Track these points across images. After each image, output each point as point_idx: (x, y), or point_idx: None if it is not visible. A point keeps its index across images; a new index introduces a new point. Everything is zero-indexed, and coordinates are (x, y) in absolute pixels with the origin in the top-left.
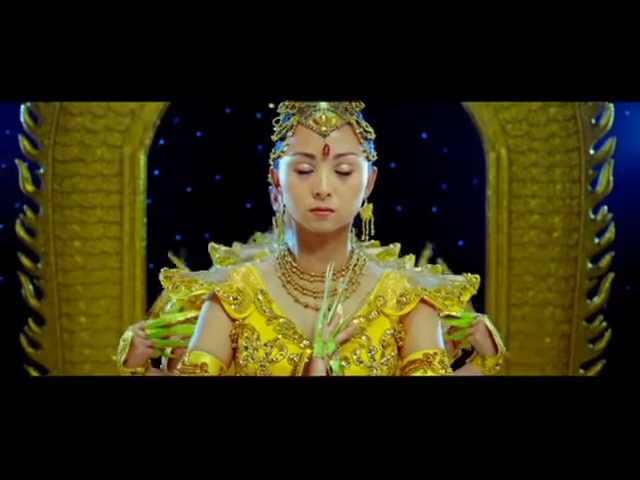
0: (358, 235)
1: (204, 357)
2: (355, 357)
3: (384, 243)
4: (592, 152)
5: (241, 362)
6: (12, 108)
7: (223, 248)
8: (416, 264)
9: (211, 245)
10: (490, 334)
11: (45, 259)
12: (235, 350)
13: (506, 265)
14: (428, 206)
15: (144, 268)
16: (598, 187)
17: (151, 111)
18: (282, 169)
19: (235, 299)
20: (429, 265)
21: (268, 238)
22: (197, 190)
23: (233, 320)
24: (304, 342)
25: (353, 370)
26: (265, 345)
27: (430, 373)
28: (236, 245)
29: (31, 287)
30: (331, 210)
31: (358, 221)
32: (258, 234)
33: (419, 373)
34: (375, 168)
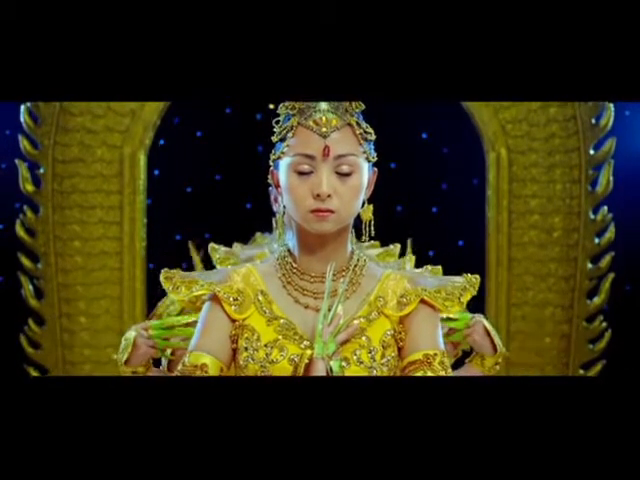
0: (358, 236)
1: (204, 358)
2: (355, 358)
3: (384, 243)
4: (592, 152)
5: (241, 363)
6: (12, 108)
7: (223, 249)
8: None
9: (211, 246)
10: (488, 334)
11: (45, 259)
12: (235, 351)
13: (506, 265)
14: (428, 206)
15: (144, 268)
16: (598, 187)
17: (151, 111)
18: (282, 170)
19: (235, 300)
20: (429, 266)
21: (268, 239)
22: (197, 190)
23: (233, 321)
24: (304, 343)
25: (353, 370)
26: (265, 346)
27: (430, 374)
28: (236, 246)
29: (31, 287)
30: (331, 211)
31: (358, 222)
32: (258, 234)
33: (419, 374)
34: (375, 169)
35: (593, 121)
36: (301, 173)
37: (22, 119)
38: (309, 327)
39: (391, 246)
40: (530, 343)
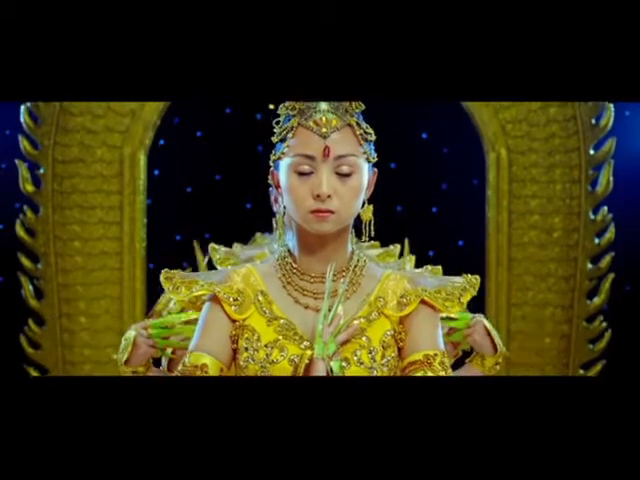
0: (358, 236)
1: (204, 358)
2: (355, 358)
3: (384, 244)
4: (592, 152)
5: (241, 363)
6: (12, 108)
7: (223, 249)
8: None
9: (211, 246)
10: (489, 334)
11: (45, 259)
12: (235, 351)
13: (506, 265)
14: (428, 206)
15: (144, 268)
16: (598, 187)
17: (151, 111)
18: (282, 170)
19: (235, 300)
20: (429, 266)
21: (268, 239)
22: (197, 190)
23: (233, 321)
24: (304, 343)
25: (353, 371)
26: (266, 346)
27: (430, 374)
28: (236, 246)
29: (31, 287)
30: (331, 212)
31: (358, 222)
32: (258, 235)
33: (419, 374)
34: (375, 169)
35: (593, 121)
36: (301, 173)
37: (22, 119)
38: (309, 327)
39: (391, 246)
40: (530, 343)
